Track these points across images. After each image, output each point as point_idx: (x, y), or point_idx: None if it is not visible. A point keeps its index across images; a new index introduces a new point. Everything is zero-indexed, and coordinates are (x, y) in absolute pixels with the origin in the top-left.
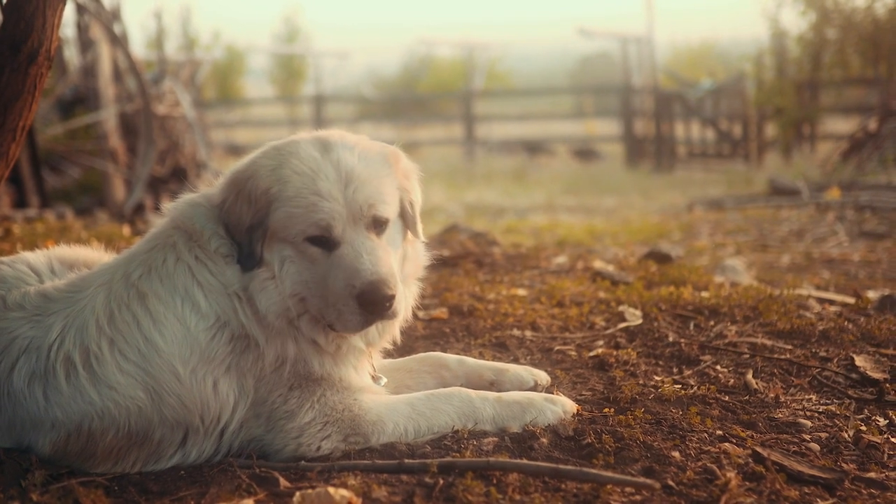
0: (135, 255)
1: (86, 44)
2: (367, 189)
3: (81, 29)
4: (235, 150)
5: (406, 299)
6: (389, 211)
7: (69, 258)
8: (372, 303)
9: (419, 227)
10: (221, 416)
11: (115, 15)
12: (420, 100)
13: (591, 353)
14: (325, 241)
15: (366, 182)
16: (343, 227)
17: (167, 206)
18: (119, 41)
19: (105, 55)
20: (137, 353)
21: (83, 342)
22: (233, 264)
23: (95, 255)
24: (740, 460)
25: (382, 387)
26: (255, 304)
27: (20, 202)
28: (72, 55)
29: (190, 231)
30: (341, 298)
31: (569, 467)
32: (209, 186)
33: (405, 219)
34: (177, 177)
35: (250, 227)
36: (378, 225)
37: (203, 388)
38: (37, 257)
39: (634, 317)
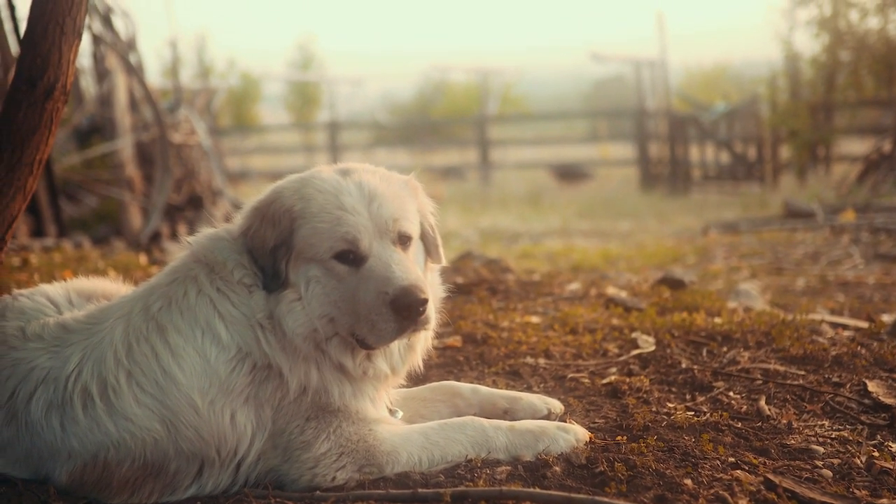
0: (154, 288)
1: (102, 74)
2: (391, 205)
3: (97, 59)
4: (252, 178)
5: (424, 336)
6: (413, 229)
7: (87, 290)
8: (406, 307)
9: (441, 250)
10: (238, 448)
11: (131, 45)
12: (435, 125)
13: (604, 381)
14: (352, 258)
15: (389, 199)
16: (370, 240)
17: (188, 239)
18: (135, 71)
19: (121, 85)
20: (155, 385)
21: (101, 374)
22: (257, 293)
23: (113, 287)
24: (752, 487)
25: (398, 419)
26: (281, 329)
27: (38, 231)
28: (88, 85)
29: (212, 264)
30: (374, 308)
31: (581, 496)
32: (228, 219)
33: (426, 242)
34: (193, 205)
35: (274, 247)
36: (403, 241)
37: (221, 420)
38: (55, 289)
39: (647, 343)
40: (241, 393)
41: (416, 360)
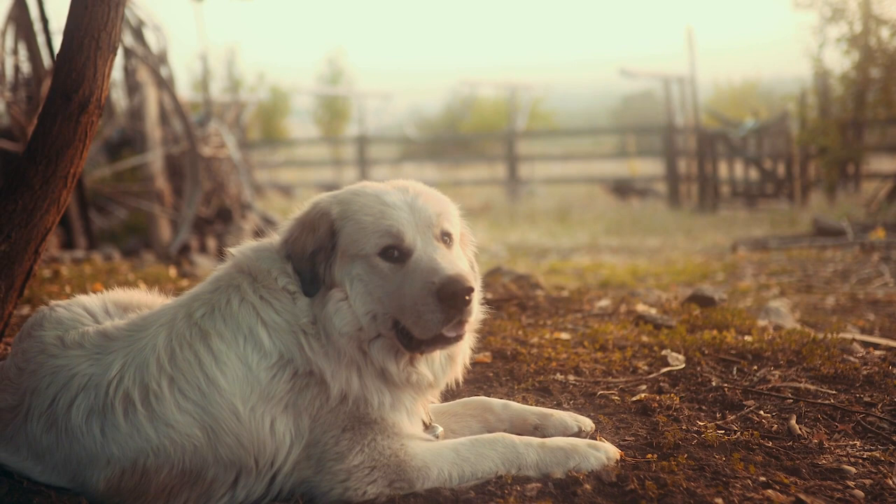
0: (197, 296)
1: (133, 87)
2: (434, 203)
3: (128, 72)
4: (282, 191)
5: (464, 350)
6: (455, 230)
7: (124, 301)
8: (452, 295)
9: (477, 271)
10: (276, 457)
11: (162, 58)
12: (463, 140)
13: (634, 398)
14: (396, 255)
15: (431, 198)
16: (413, 235)
17: (231, 250)
18: (165, 84)
19: (152, 98)
20: (198, 391)
21: (143, 380)
22: (301, 298)
23: (149, 299)
24: None
25: (437, 435)
26: (326, 332)
27: (68, 243)
28: (119, 98)
29: (255, 273)
30: (420, 298)
31: None
32: (259, 232)
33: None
34: (222, 218)
35: (313, 252)
36: (446, 239)
37: (261, 428)
38: (92, 300)
39: (677, 361)
40: (280, 400)
41: (457, 373)
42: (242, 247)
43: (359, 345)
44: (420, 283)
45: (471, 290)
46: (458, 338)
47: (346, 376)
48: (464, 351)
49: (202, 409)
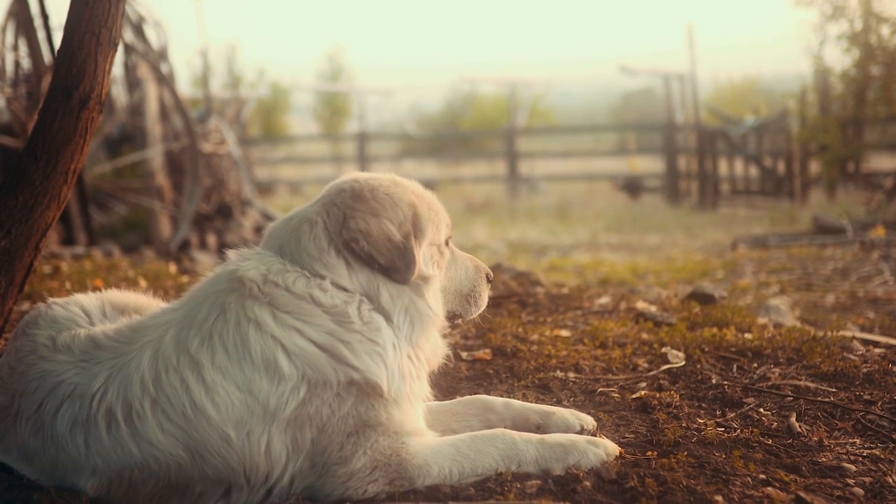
0: (192, 319)
1: (133, 83)
2: None
3: (129, 68)
4: (290, 187)
5: None
6: None
7: (121, 303)
8: (491, 278)
9: None
10: (271, 475)
11: (163, 54)
12: (463, 137)
13: (634, 396)
14: (447, 242)
15: None
16: None
17: (240, 277)
18: (166, 80)
19: (152, 94)
20: (182, 417)
21: (126, 397)
22: (352, 304)
23: (144, 301)
24: None
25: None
26: (419, 316)
27: (68, 239)
28: (119, 94)
29: (277, 302)
30: (478, 282)
31: None
32: (259, 229)
33: None
34: (222, 214)
35: (404, 236)
36: None
37: (256, 451)
38: (90, 300)
39: (677, 358)
40: (284, 419)
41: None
42: (246, 267)
43: (441, 326)
44: (474, 269)
45: None
46: None
47: (398, 364)
48: None
49: (186, 434)
